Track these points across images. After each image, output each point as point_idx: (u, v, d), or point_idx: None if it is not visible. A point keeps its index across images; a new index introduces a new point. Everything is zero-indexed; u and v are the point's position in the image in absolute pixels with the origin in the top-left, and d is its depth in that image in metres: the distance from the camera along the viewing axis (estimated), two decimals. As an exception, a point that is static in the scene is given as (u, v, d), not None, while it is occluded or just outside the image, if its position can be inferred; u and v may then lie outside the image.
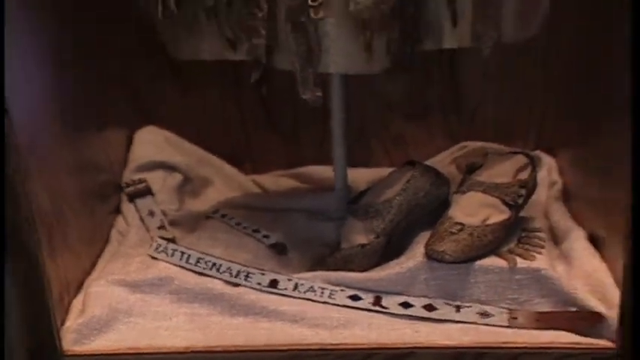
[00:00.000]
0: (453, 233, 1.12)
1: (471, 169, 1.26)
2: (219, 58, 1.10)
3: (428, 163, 1.31)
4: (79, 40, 1.21)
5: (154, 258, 1.19)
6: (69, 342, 1.05)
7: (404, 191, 1.19)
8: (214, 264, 1.17)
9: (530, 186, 1.23)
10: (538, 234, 1.20)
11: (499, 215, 1.17)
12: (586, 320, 1.06)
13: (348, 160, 1.33)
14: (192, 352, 1.05)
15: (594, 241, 1.18)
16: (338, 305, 1.10)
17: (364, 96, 1.47)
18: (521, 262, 1.12)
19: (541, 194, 1.33)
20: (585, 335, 1.05)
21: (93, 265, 1.22)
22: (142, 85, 1.49)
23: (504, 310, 1.10)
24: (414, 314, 1.09)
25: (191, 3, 1.07)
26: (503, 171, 1.24)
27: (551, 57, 1.44)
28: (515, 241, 1.18)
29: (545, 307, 1.10)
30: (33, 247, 0.98)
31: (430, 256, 1.11)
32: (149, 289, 1.13)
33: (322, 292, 1.12)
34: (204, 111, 1.52)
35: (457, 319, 1.09)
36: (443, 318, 1.09)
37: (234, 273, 1.15)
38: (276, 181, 1.52)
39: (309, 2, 1.00)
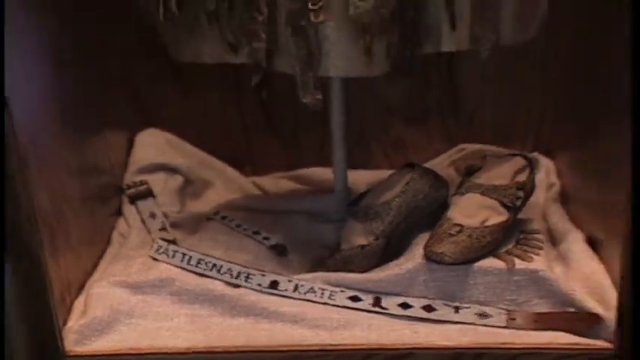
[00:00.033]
0: (451, 235, 1.12)
1: (469, 172, 1.26)
2: (220, 62, 1.10)
3: (427, 165, 1.31)
4: (79, 40, 1.21)
5: (155, 259, 1.19)
6: (71, 342, 1.06)
7: (403, 193, 1.20)
8: (215, 265, 1.17)
9: (528, 188, 1.23)
10: (536, 236, 1.21)
11: (497, 217, 1.18)
12: (584, 321, 1.06)
13: (348, 163, 1.34)
14: (193, 352, 1.06)
15: (592, 243, 1.18)
16: (338, 306, 1.11)
17: (364, 99, 1.48)
18: (519, 264, 1.12)
19: (539, 196, 1.33)
20: (583, 336, 1.05)
21: (94, 266, 1.22)
22: (142, 86, 1.49)
23: (503, 311, 1.10)
24: (413, 315, 1.10)
25: (192, 5, 1.07)
26: (501, 173, 1.24)
27: (549, 60, 1.44)
28: (513, 243, 1.18)
29: (543, 308, 1.11)
30: (35, 247, 0.98)
31: (429, 257, 1.11)
32: (150, 291, 1.13)
33: (322, 293, 1.12)
34: (205, 113, 1.53)
35: (456, 319, 1.09)
36: (442, 319, 1.09)
37: (234, 274, 1.15)
38: (276, 183, 1.52)
39: (309, 6, 1.00)
